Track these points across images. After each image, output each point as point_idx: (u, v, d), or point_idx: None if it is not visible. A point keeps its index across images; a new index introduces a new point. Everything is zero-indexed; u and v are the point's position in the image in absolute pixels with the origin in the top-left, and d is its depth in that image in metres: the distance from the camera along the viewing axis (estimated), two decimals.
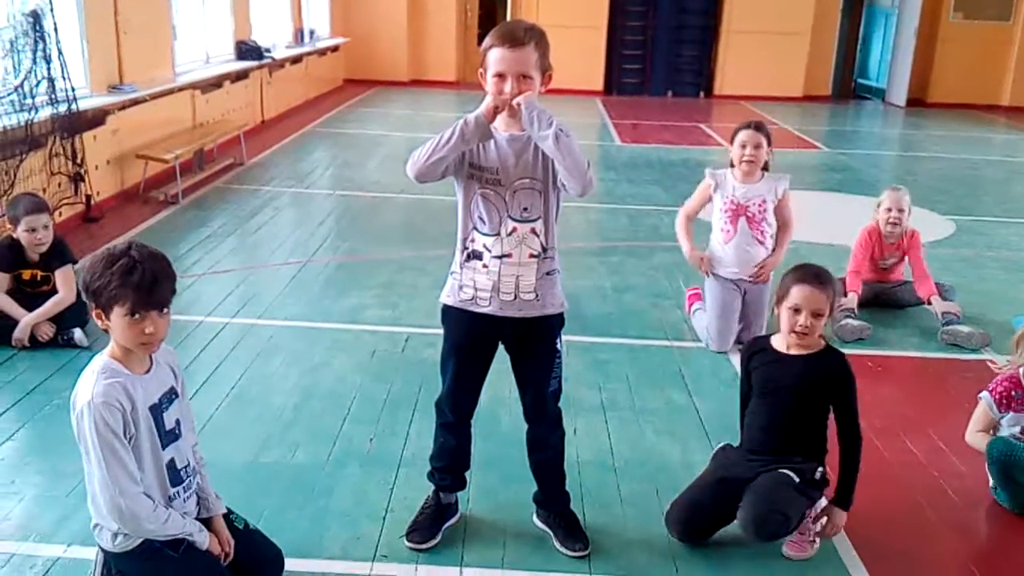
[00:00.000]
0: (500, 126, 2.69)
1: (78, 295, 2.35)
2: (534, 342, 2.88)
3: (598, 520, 3.14)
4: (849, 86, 18.33)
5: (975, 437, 3.43)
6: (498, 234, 2.74)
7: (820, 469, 2.95)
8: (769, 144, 4.61)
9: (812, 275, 2.94)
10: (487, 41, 2.63)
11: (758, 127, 4.64)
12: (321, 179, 8.97)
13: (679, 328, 5.00)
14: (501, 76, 2.59)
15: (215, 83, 9.72)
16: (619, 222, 7.44)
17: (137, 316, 2.28)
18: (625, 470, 3.50)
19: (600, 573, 2.88)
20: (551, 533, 3.03)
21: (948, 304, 5.03)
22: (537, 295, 2.78)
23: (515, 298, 2.77)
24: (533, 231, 2.74)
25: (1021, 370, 3.34)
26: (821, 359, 2.98)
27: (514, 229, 2.73)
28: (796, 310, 2.90)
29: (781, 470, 2.91)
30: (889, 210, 5.18)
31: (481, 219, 2.76)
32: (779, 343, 3.02)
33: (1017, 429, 3.32)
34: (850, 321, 4.83)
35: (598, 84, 16.59)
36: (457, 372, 2.94)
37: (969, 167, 10.74)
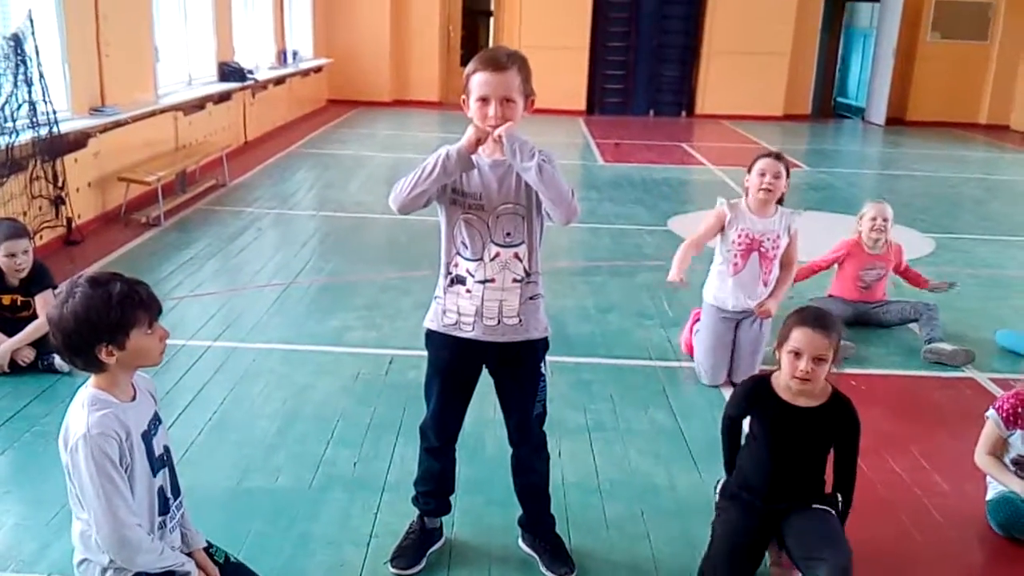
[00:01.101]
0: (483, 151, 2.69)
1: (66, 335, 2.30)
2: (518, 366, 2.87)
3: (584, 543, 3.13)
4: (829, 105, 18.51)
5: (985, 460, 3.36)
6: (481, 259, 2.74)
7: (839, 496, 2.92)
8: (788, 177, 4.48)
9: (813, 318, 2.82)
10: (470, 67, 2.65)
11: (778, 157, 4.50)
12: (304, 200, 8.95)
13: (663, 348, 5.01)
14: (484, 100, 2.60)
15: (198, 105, 9.70)
16: (602, 242, 7.46)
17: (153, 328, 2.35)
18: (611, 492, 3.49)
19: None
20: (536, 557, 3.02)
21: (938, 283, 5.39)
22: (520, 320, 2.78)
23: (498, 323, 2.77)
24: (516, 256, 2.74)
25: None
26: (830, 410, 2.87)
27: (497, 254, 2.73)
28: (797, 354, 2.79)
29: (816, 507, 2.85)
30: (874, 219, 5.20)
31: (464, 244, 2.76)
32: (782, 388, 2.90)
33: None
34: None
35: (581, 104, 16.67)
36: (441, 396, 2.93)
37: (948, 185, 10.84)
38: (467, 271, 2.76)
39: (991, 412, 3.36)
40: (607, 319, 5.49)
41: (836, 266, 5.37)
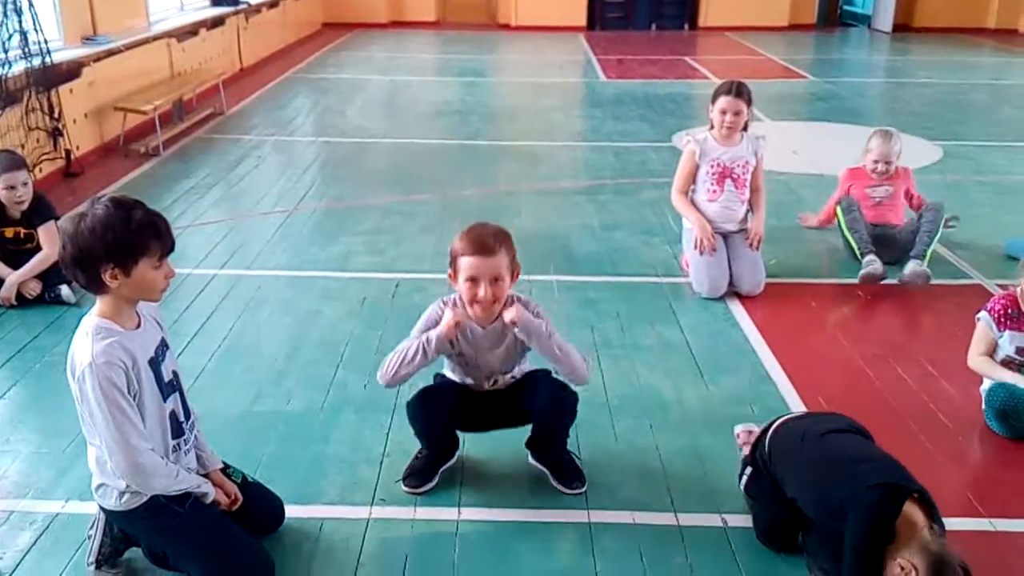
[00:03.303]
0: (478, 320, 2.86)
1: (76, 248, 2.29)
2: (523, 385, 3.04)
3: (594, 456, 3.16)
4: (835, 13, 18.12)
5: (977, 361, 3.42)
6: (481, 386, 3.01)
7: None
8: (749, 106, 4.62)
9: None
10: (458, 247, 2.80)
11: (739, 92, 4.59)
12: (303, 126, 8.85)
13: (669, 264, 4.99)
14: (474, 280, 2.77)
15: (191, 31, 9.54)
16: (606, 160, 7.38)
17: (161, 263, 2.34)
18: (619, 407, 3.52)
19: (598, 508, 2.90)
20: (547, 472, 3.05)
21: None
22: (515, 375, 3.04)
23: (496, 383, 3.03)
24: (513, 376, 3.02)
25: (1019, 290, 3.34)
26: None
27: (496, 380, 3.00)
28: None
29: None
30: (876, 161, 4.98)
31: (460, 377, 3.02)
32: None
33: (1013, 349, 3.34)
34: (875, 262, 4.61)
35: (581, 20, 16.35)
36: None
37: (956, 92, 10.67)
38: (464, 383, 3.04)
39: (983, 314, 3.40)
40: (613, 237, 5.46)
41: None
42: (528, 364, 3.07)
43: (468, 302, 2.83)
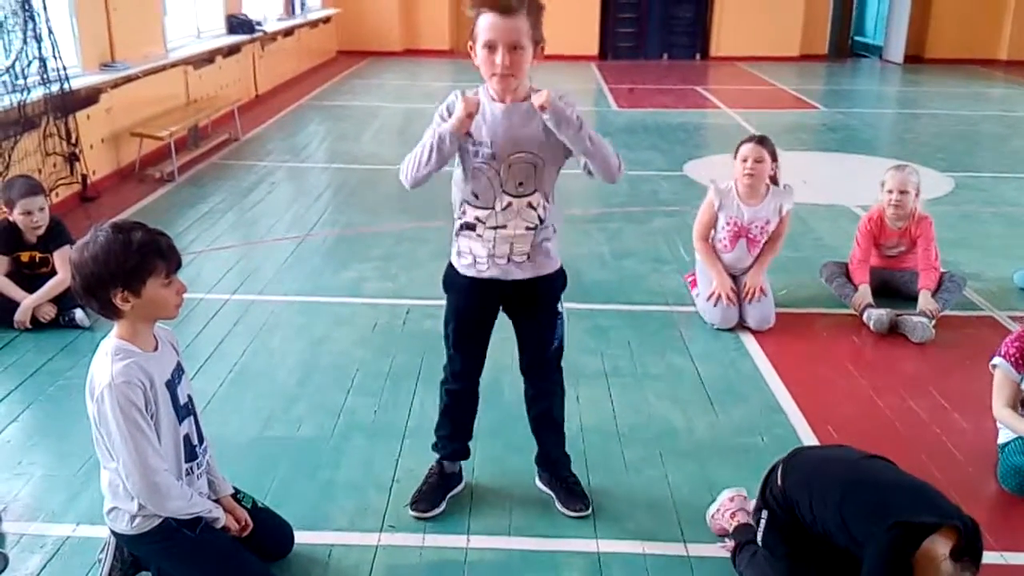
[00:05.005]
0: (496, 95, 2.63)
1: (84, 277, 2.33)
2: (533, 303, 2.88)
3: (603, 485, 3.16)
4: (846, 44, 18.21)
5: (1004, 414, 3.22)
6: (492, 208, 2.71)
7: None
8: (774, 160, 4.51)
9: None
10: (476, 6, 2.52)
11: (761, 140, 4.52)
12: (317, 152, 8.93)
13: (679, 293, 4.99)
14: (491, 47, 2.51)
15: (207, 58, 9.64)
16: (617, 188, 7.34)
17: (170, 279, 2.37)
18: (629, 436, 3.51)
19: (606, 538, 2.90)
20: (552, 495, 3.05)
21: (930, 302, 4.56)
22: (529, 257, 2.77)
23: (508, 261, 2.76)
24: (529, 204, 2.70)
25: None
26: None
27: (509, 204, 2.70)
28: None
29: None
30: (891, 191, 4.67)
31: (474, 194, 2.72)
32: None
33: None
34: (874, 311, 4.49)
35: (593, 49, 16.47)
36: (458, 335, 2.94)
37: (967, 123, 10.68)
38: (476, 219, 2.75)
39: (998, 360, 3.25)
40: (623, 265, 5.48)
41: (856, 235, 4.90)
42: (547, 259, 2.80)
43: (487, 76, 2.58)
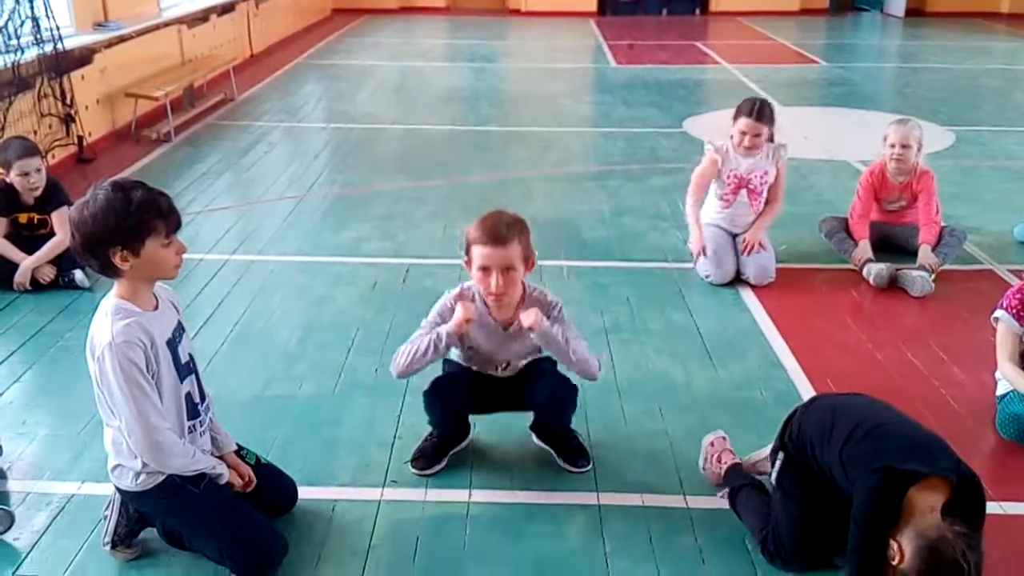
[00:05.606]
0: (492, 313, 2.87)
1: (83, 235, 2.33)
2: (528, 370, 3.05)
3: (603, 439, 3.18)
4: None
5: (1007, 368, 3.21)
6: (489, 373, 3.03)
7: None
8: (771, 125, 4.55)
9: None
10: (472, 235, 2.78)
11: (759, 116, 4.49)
12: (314, 112, 8.87)
13: (678, 250, 4.99)
14: (486, 270, 2.76)
15: (201, 17, 9.55)
16: (616, 145, 7.37)
17: (170, 240, 2.36)
18: (628, 390, 3.53)
19: (607, 490, 2.92)
20: (552, 451, 3.07)
21: (930, 256, 4.55)
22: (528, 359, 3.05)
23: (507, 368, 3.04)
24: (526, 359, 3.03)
25: None
26: None
27: (506, 366, 3.02)
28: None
29: None
30: (892, 145, 4.65)
31: (471, 366, 3.03)
32: None
33: None
34: (874, 266, 4.49)
35: (592, 5, 16.28)
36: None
37: (968, 77, 10.60)
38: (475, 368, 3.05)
39: (1000, 313, 3.25)
40: (622, 223, 5.47)
41: (857, 189, 4.87)
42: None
43: (483, 294, 2.84)
